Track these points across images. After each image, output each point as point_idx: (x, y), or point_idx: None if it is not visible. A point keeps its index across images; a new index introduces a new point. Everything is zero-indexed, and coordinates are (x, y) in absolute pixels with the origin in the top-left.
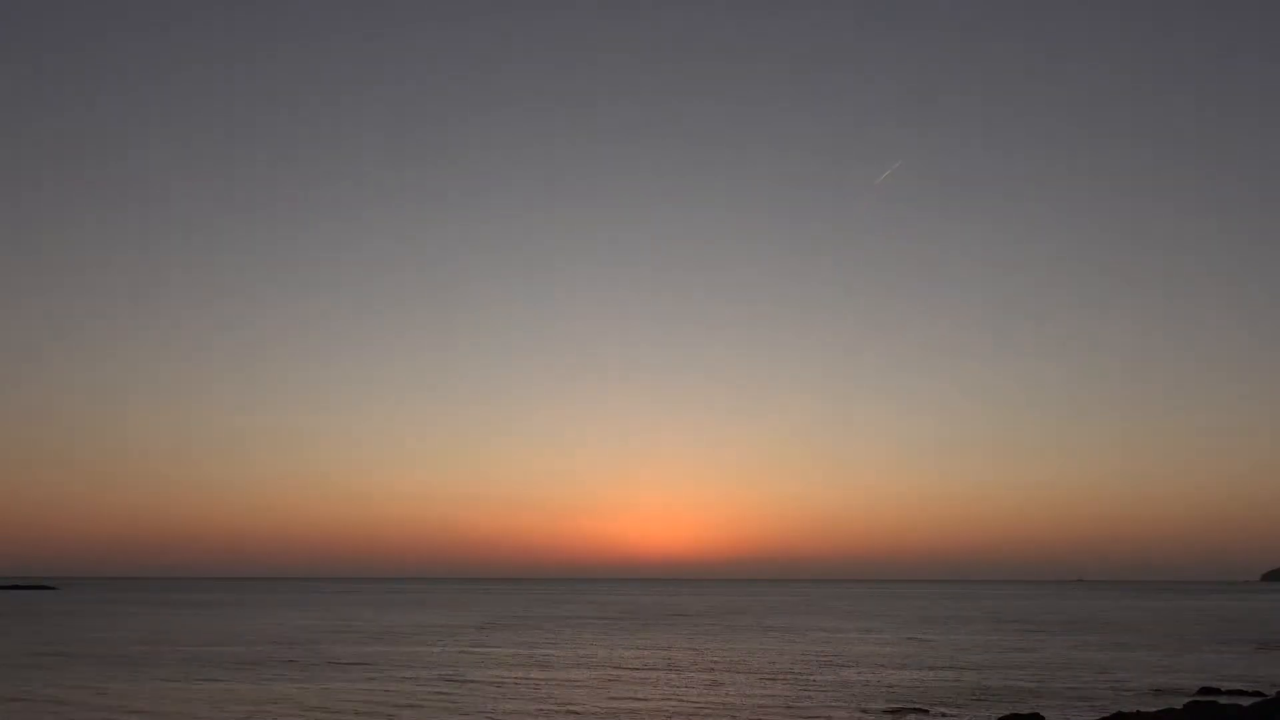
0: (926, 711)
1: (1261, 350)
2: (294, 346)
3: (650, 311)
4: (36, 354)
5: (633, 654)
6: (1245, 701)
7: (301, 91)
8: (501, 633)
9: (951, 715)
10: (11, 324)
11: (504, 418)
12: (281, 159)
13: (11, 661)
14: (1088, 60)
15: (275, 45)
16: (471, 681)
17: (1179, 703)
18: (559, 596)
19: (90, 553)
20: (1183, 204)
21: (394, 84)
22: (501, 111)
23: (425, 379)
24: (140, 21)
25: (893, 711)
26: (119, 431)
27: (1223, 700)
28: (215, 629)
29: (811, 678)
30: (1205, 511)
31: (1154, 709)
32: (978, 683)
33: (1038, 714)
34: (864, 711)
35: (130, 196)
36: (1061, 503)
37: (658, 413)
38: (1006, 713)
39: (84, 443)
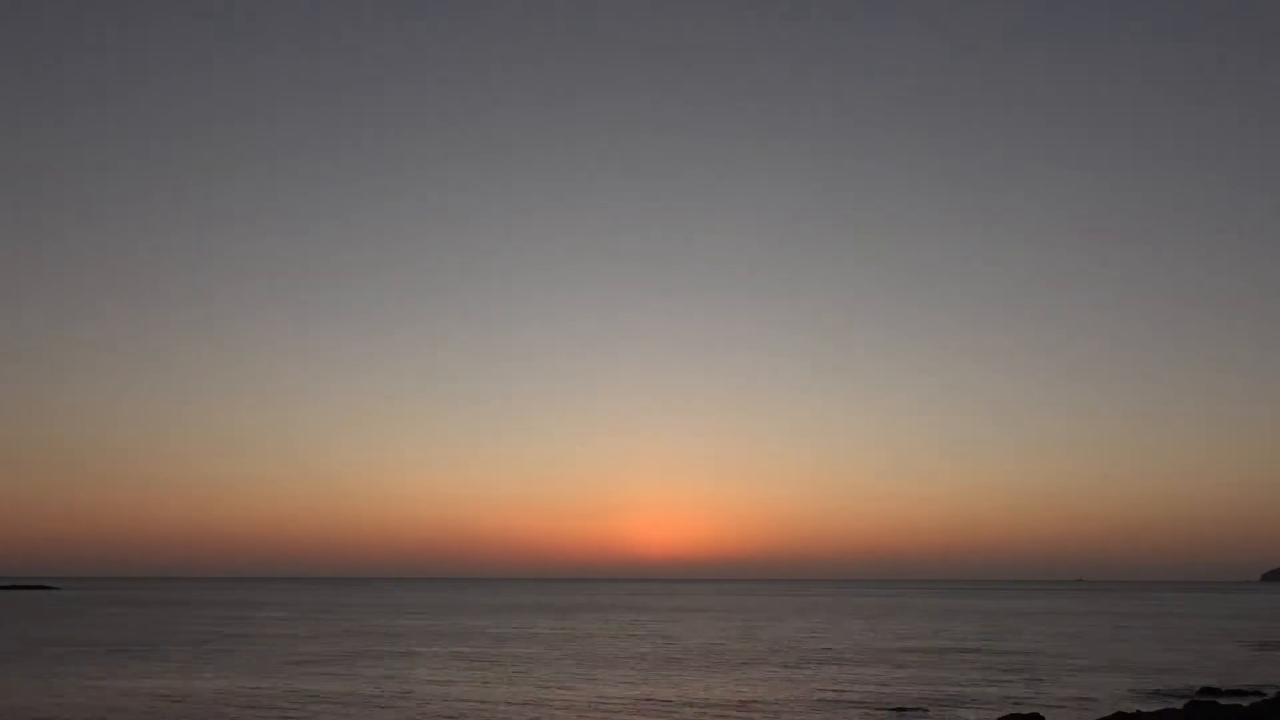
0: (926, 711)
1: (1262, 350)
2: (293, 346)
3: (651, 311)
4: (35, 354)
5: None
6: (1245, 701)
7: (298, 91)
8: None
9: (951, 715)
10: (10, 324)
11: (503, 417)
12: (277, 158)
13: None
14: (1096, 61)
15: (267, 45)
16: None
17: (1179, 703)
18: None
19: (90, 553)
20: (1184, 204)
21: (388, 83)
22: (501, 110)
23: (425, 378)
24: (135, 22)
25: (893, 711)
26: (118, 431)
27: (1223, 700)
28: None
29: (811, 676)
30: (1205, 511)
31: (1154, 709)
32: (978, 682)
33: (1038, 714)
34: (864, 711)
35: (126, 197)
36: (1062, 503)
37: (659, 412)
38: (1006, 713)
39: (83, 443)
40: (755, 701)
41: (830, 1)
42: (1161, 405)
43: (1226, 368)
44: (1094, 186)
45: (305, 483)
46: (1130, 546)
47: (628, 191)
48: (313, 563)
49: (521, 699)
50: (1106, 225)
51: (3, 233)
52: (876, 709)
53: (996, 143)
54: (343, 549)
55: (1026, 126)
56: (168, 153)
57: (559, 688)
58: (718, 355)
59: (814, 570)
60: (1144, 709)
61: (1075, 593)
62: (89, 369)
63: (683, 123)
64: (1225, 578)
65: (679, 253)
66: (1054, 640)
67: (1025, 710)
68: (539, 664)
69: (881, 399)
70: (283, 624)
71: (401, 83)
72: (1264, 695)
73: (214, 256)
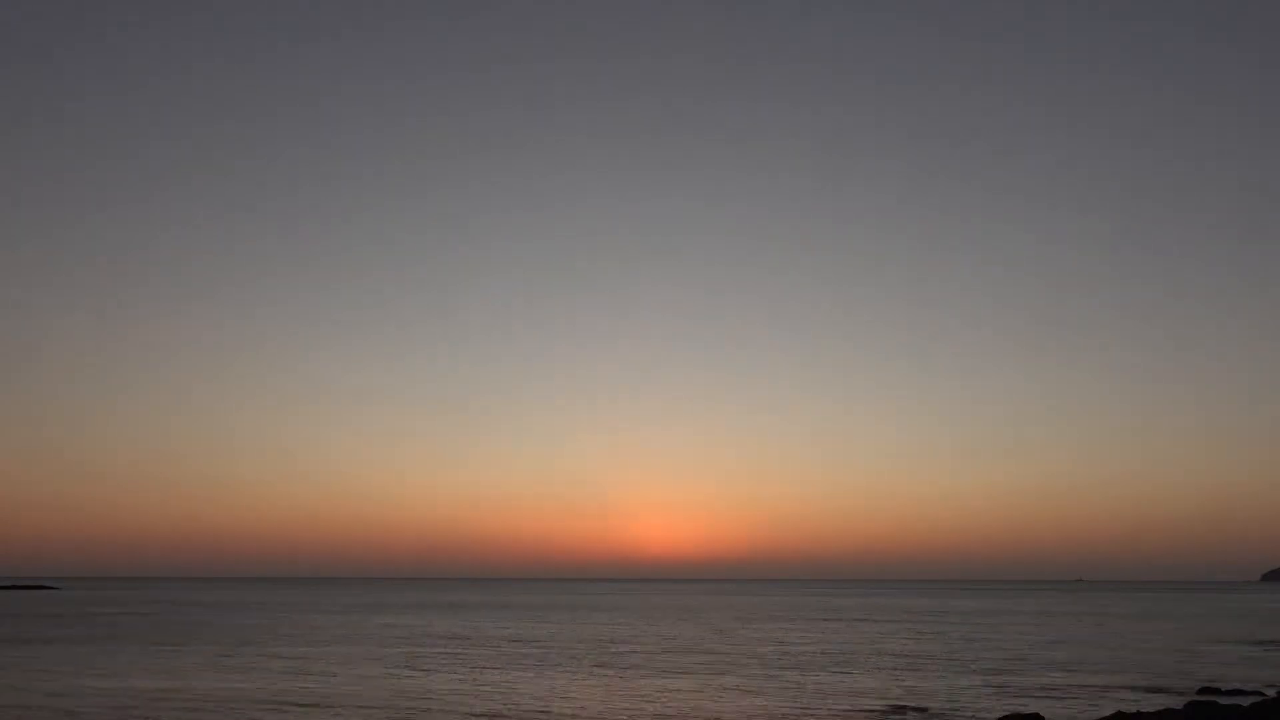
0: (926, 711)
1: (1262, 351)
2: (291, 346)
3: (652, 310)
4: (35, 354)
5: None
6: (1245, 701)
7: (295, 91)
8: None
9: (951, 715)
10: (9, 324)
11: (503, 417)
12: (273, 158)
13: None
14: (1101, 60)
15: (267, 44)
16: None
17: (1179, 703)
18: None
19: (90, 553)
20: (1186, 205)
21: (388, 82)
22: (499, 109)
23: (424, 378)
24: (135, 22)
25: (893, 710)
26: (118, 432)
27: (1223, 700)
28: None
29: (811, 675)
30: (1205, 511)
31: (1154, 709)
32: (978, 683)
33: (1038, 714)
34: (864, 710)
35: (120, 198)
36: (1062, 503)
37: (660, 412)
38: (1006, 713)
39: (83, 443)
40: (752, 703)
41: (831, 1)
42: (1161, 405)
43: (1227, 368)
44: (1096, 187)
45: (304, 483)
46: (1130, 546)
47: (628, 191)
48: (312, 563)
49: (464, 699)
50: (1108, 226)
51: (1, 233)
52: (876, 709)
53: (999, 143)
54: (342, 549)
55: (1029, 127)
56: (164, 153)
57: (510, 687)
58: (719, 355)
59: (814, 570)
60: (1144, 709)
61: (1075, 593)
62: (88, 369)
63: (683, 121)
64: (1225, 578)
65: (679, 252)
66: (1054, 640)
67: (1025, 710)
68: (497, 662)
69: (882, 399)
70: (260, 624)
71: (401, 82)
72: (1264, 695)
73: (214, 257)
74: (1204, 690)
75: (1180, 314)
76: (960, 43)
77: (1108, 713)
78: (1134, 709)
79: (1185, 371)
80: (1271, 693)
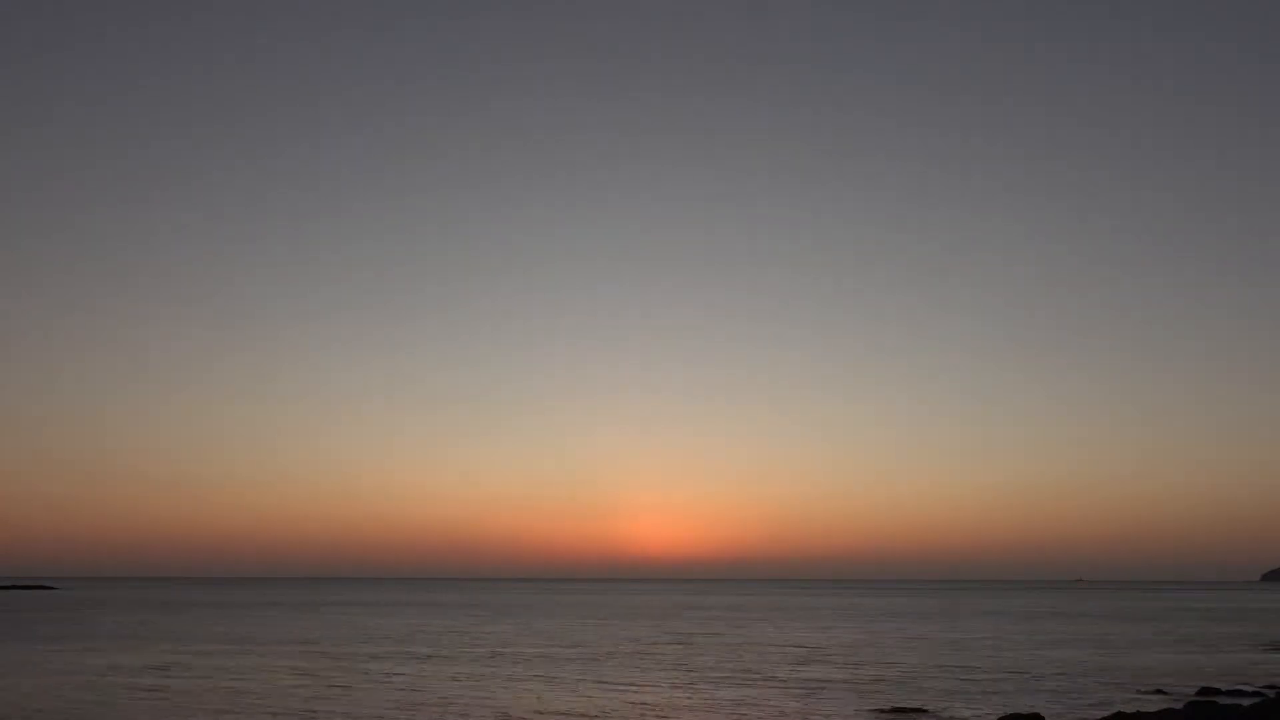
0: (926, 711)
1: (1262, 350)
2: (290, 345)
3: (653, 310)
4: (33, 355)
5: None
6: (1245, 701)
7: (294, 90)
8: None
9: (951, 715)
10: (7, 324)
11: (503, 416)
12: (270, 157)
13: None
14: (1100, 58)
15: (264, 44)
16: None
17: (1179, 703)
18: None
19: (90, 553)
20: (1190, 205)
21: (387, 79)
22: (499, 106)
23: (423, 377)
24: (134, 22)
25: (893, 710)
26: (116, 432)
27: (1223, 700)
28: None
29: (811, 675)
30: (1205, 511)
31: (1154, 709)
32: (977, 682)
33: (1037, 714)
34: (864, 710)
35: (119, 198)
36: (1062, 503)
37: (660, 412)
38: (1006, 712)
39: (81, 444)
40: (751, 704)
41: (840, 1)
42: (1162, 406)
43: (1228, 368)
44: (1101, 187)
45: (303, 483)
46: (1130, 546)
47: (629, 190)
48: (312, 563)
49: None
50: (1108, 226)
51: (1, 233)
52: (876, 710)
53: (1000, 143)
54: (341, 549)
55: (1029, 126)
56: (164, 153)
57: (450, 686)
58: (720, 354)
59: (815, 570)
60: (1144, 709)
61: (1075, 592)
62: (87, 369)
63: (684, 121)
64: (1225, 578)
65: (680, 252)
66: (1053, 640)
67: (1025, 710)
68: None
69: (883, 399)
70: (255, 623)
71: (401, 82)
72: (1264, 695)
73: (212, 257)
74: (1204, 690)
75: (1180, 314)
76: (960, 43)
77: (1108, 713)
78: (1134, 709)
79: (1185, 371)
80: (1271, 693)
